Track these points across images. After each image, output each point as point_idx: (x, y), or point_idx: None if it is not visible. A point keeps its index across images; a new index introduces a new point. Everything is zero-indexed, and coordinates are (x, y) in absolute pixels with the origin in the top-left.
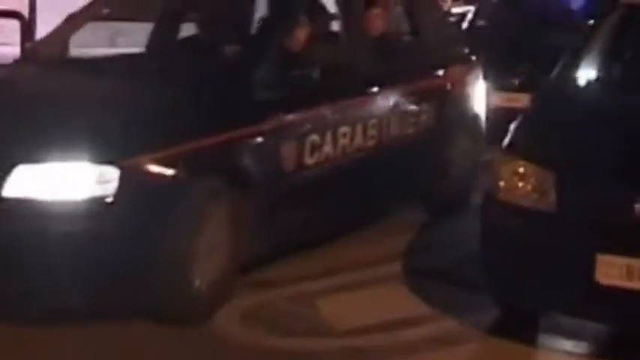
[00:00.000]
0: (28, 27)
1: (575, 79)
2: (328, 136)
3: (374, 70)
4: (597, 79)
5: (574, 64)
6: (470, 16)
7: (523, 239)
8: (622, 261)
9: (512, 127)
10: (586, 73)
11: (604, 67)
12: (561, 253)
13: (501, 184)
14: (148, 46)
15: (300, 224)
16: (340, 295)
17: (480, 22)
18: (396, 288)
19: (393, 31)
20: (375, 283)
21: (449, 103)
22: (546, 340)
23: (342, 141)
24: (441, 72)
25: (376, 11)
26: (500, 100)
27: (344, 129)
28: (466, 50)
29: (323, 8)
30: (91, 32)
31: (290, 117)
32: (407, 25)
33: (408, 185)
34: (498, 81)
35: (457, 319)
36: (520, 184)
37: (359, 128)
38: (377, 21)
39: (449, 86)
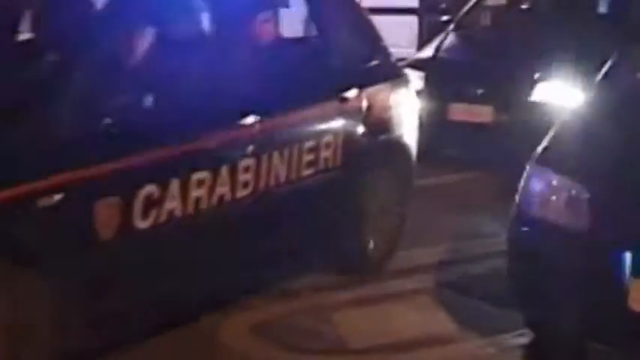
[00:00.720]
0: None
1: (617, 88)
2: (174, 187)
3: (253, 90)
4: None
5: (618, 72)
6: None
7: (553, 258)
8: None
9: (547, 135)
10: (630, 82)
11: None
12: (592, 275)
13: (531, 197)
14: None
15: (135, 310)
16: (359, 310)
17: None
18: (419, 303)
19: (289, 39)
20: (397, 297)
21: (363, 133)
22: None
23: (197, 192)
24: (353, 92)
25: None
26: (459, 112)
27: (200, 175)
28: (393, 61)
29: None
30: None
31: (110, 163)
32: (313, 31)
33: (301, 248)
34: (459, 90)
35: (483, 340)
36: (552, 198)
37: (224, 173)
38: (264, 25)
39: (363, 111)
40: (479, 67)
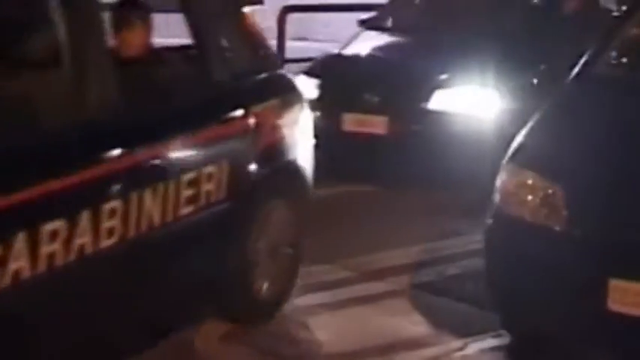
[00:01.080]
0: None
1: (592, 83)
2: (19, 243)
3: (117, 117)
4: (616, 84)
5: (592, 66)
6: None
7: (530, 259)
8: (637, 287)
9: (521, 132)
10: (605, 77)
11: (624, 70)
12: (571, 275)
13: (507, 196)
14: None
15: None
16: (334, 314)
17: None
18: (395, 305)
19: (159, 49)
20: (372, 300)
21: (252, 160)
22: None
23: (49, 246)
24: (238, 112)
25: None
26: (352, 123)
27: (51, 225)
28: (283, 74)
29: None
30: None
31: None
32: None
33: (183, 300)
34: (353, 98)
35: (461, 342)
36: (528, 198)
37: (84, 221)
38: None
39: (251, 135)
40: (377, 72)
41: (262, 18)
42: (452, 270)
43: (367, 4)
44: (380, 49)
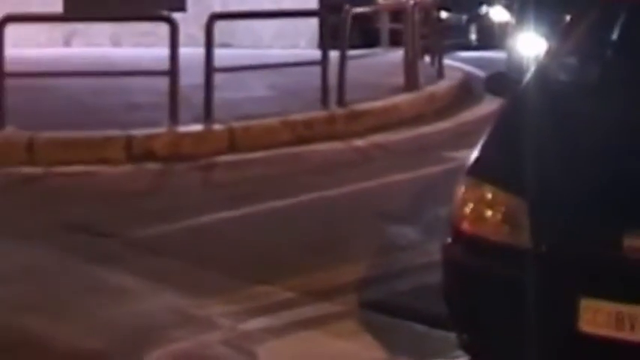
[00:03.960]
0: None
1: (550, 85)
2: None
3: None
4: (577, 85)
5: (549, 67)
6: None
7: (492, 279)
8: (610, 307)
9: (480, 142)
10: (564, 78)
11: (584, 70)
12: (538, 296)
13: (466, 212)
14: None
15: None
16: (281, 339)
17: None
18: (344, 328)
19: None
20: (320, 323)
21: None
22: None
23: None
24: None
25: None
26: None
27: None
28: None
29: None
30: None
31: None
32: None
33: None
34: None
35: None
36: (488, 214)
37: None
38: None
39: None
40: None
41: (185, 25)
42: (403, 286)
43: (291, 11)
44: None
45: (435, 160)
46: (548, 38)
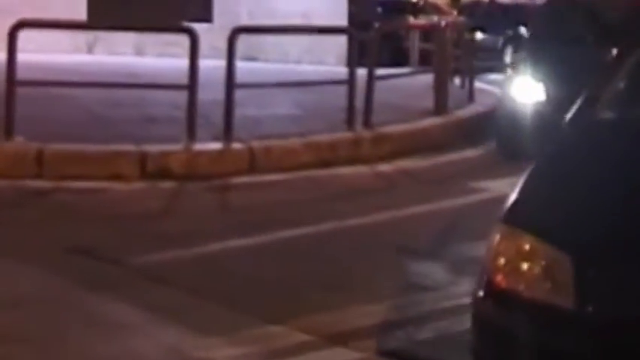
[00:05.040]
0: None
1: (601, 125)
2: None
3: None
4: (630, 125)
5: (597, 104)
6: None
7: (527, 341)
8: None
9: (516, 187)
10: (615, 117)
11: (625, 113)
12: None
13: (500, 264)
14: None
15: None
16: None
17: None
18: None
19: None
20: None
21: None
22: None
23: None
24: None
25: None
26: None
27: None
28: None
29: None
30: None
31: None
32: None
33: None
34: None
35: None
36: (525, 267)
37: None
38: None
39: None
40: None
41: (210, 36)
42: (425, 333)
43: (319, 27)
44: None
45: (463, 191)
46: (546, 84)
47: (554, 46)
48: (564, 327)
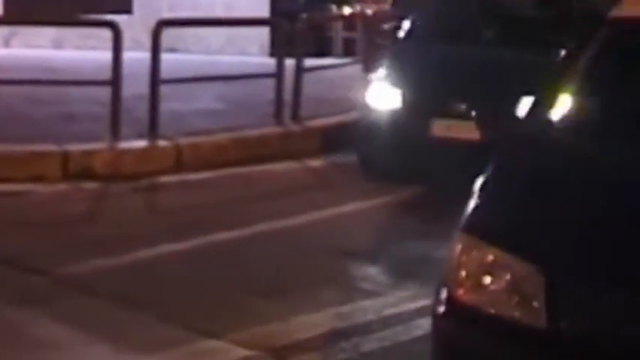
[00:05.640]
0: None
1: (557, 124)
2: None
3: None
4: (591, 124)
5: (551, 103)
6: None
7: None
8: None
9: (475, 194)
10: (574, 116)
11: (595, 107)
12: None
13: (462, 277)
14: None
15: None
16: None
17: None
18: None
19: None
20: None
21: None
22: None
23: None
24: None
25: None
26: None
27: None
28: None
29: None
30: None
31: None
32: None
33: None
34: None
35: None
36: (488, 281)
37: None
38: None
39: None
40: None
41: (130, 28)
42: (370, 344)
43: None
44: None
45: (398, 186)
46: (404, 90)
47: (425, 47)
48: (534, 347)
